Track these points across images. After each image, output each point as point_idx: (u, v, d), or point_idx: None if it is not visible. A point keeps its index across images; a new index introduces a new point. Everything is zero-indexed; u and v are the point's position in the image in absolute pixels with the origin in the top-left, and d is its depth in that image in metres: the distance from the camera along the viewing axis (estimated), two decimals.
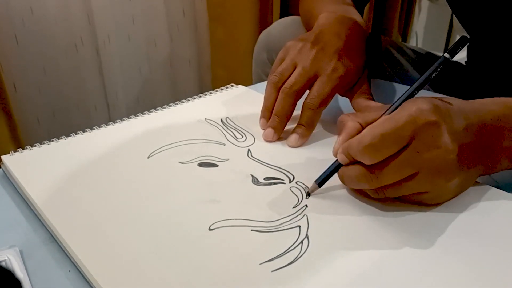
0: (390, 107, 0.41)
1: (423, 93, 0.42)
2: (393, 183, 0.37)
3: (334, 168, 0.41)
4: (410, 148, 0.36)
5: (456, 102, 0.40)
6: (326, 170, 0.41)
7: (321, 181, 0.41)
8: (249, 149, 0.49)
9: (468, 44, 0.47)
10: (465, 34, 0.55)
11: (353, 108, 0.52)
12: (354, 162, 0.39)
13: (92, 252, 0.35)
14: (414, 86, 0.42)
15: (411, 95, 0.41)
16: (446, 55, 0.43)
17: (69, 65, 1.15)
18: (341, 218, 0.39)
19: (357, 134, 0.41)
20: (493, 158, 0.40)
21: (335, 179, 0.41)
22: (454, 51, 0.43)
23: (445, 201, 0.40)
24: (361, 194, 0.41)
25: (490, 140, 0.39)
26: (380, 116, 0.41)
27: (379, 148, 0.36)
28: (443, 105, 0.38)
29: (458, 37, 0.45)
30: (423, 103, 0.37)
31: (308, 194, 0.41)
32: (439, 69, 0.42)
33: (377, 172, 0.37)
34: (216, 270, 0.33)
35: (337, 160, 0.41)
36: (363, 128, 0.41)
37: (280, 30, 0.78)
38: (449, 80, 0.73)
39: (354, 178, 0.39)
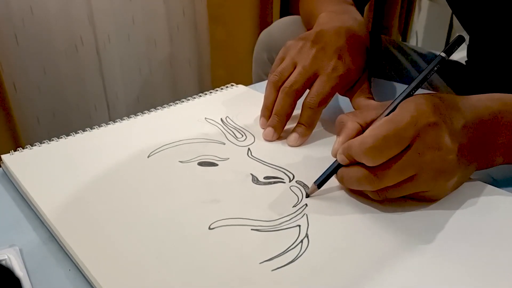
0: (388, 106, 0.41)
1: (422, 92, 0.42)
2: (394, 185, 0.37)
3: (333, 169, 0.41)
4: (412, 149, 0.36)
5: (453, 99, 0.40)
6: (325, 171, 0.41)
7: (320, 182, 0.41)
8: (249, 149, 0.49)
9: (465, 43, 0.47)
10: (465, 33, 0.55)
11: (353, 108, 0.52)
12: (354, 163, 0.39)
13: (92, 251, 0.35)
14: (412, 85, 0.42)
15: (409, 94, 0.41)
16: (443, 54, 0.43)
17: (69, 65, 1.15)
18: (341, 218, 0.39)
19: (357, 134, 0.41)
20: (488, 154, 0.40)
21: (335, 179, 0.41)
22: (450, 50, 0.43)
23: (443, 197, 0.40)
24: (359, 195, 0.41)
25: (486, 136, 0.40)
26: (379, 116, 0.41)
27: (382, 150, 0.36)
28: (442, 104, 0.38)
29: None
30: (422, 103, 0.37)
31: (307, 196, 0.41)
32: (436, 68, 0.43)
33: (379, 173, 0.37)
34: (216, 269, 0.33)
35: (336, 161, 0.41)
36: (362, 128, 0.41)
37: (280, 30, 0.78)
38: (449, 80, 0.74)
39: (355, 180, 0.39)
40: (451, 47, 0.43)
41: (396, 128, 0.36)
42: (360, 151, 0.37)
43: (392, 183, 0.37)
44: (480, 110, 0.40)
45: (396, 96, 0.42)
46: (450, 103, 0.39)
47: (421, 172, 0.37)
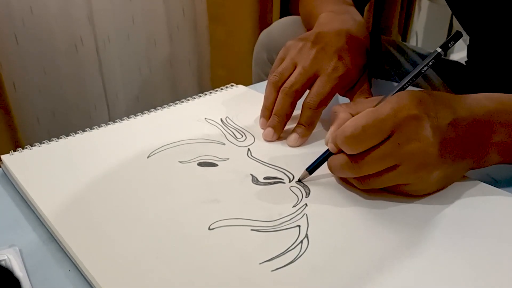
0: (381, 100, 0.41)
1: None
2: (375, 174, 0.38)
3: (325, 157, 0.42)
4: (391, 140, 0.37)
5: (444, 96, 0.41)
6: (317, 159, 0.43)
7: (312, 168, 0.43)
8: (249, 149, 0.49)
9: (465, 43, 0.48)
10: (465, 34, 0.55)
11: None
12: (341, 151, 0.40)
13: (91, 252, 0.35)
14: (406, 79, 0.43)
15: (402, 88, 0.42)
16: (438, 49, 0.43)
17: (69, 65, 1.15)
18: (341, 218, 0.39)
19: None
20: (481, 152, 0.40)
21: (333, 183, 0.42)
22: (446, 45, 0.44)
23: (431, 193, 0.41)
24: (348, 184, 0.42)
25: (479, 134, 0.40)
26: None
27: (360, 139, 0.37)
28: (430, 99, 0.39)
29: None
30: (407, 97, 0.38)
31: (299, 180, 0.43)
32: (431, 63, 0.43)
33: (359, 161, 0.38)
34: (216, 269, 0.33)
35: (327, 149, 0.42)
36: None
37: (280, 30, 0.78)
38: (449, 80, 0.74)
39: (339, 166, 0.40)
40: (447, 42, 0.44)
41: (375, 119, 0.37)
42: (340, 140, 0.39)
43: (372, 172, 0.38)
44: (474, 108, 0.40)
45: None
46: (440, 99, 0.40)
47: (402, 163, 0.37)
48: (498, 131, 0.40)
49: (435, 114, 0.38)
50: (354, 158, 0.39)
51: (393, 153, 0.37)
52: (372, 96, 0.52)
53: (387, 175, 0.38)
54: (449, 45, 0.44)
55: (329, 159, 0.42)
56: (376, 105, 0.41)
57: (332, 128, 0.43)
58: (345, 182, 0.43)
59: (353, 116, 0.42)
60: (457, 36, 0.44)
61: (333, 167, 0.41)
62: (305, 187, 0.42)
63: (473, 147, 0.40)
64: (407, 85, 0.43)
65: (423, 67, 0.43)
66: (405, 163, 0.37)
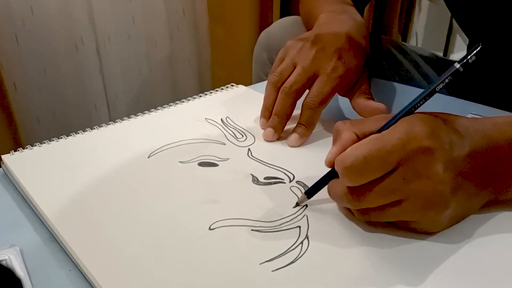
0: (388, 121, 0.37)
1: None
2: (377, 207, 0.35)
3: (325, 180, 0.39)
4: (396, 173, 0.33)
5: (462, 122, 0.36)
6: (316, 182, 0.39)
7: (311, 192, 0.39)
8: (249, 149, 0.49)
9: (465, 44, 0.44)
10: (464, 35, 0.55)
11: (353, 108, 0.52)
12: None
13: (92, 252, 0.35)
14: (418, 98, 0.37)
15: (413, 108, 0.37)
16: (457, 65, 0.37)
17: (69, 65, 1.15)
18: (341, 219, 0.39)
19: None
20: (502, 184, 0.36)
21: None
22: (466, 60, 0.38)
23: (440, 231, 0.36)
24: (349, 212, 0.39)
25: (501, 165, 0.36)
26: (376, 132, 0.37)
27: (361, 172, 0.33)
28: (444, 127, 0.35)
29: (458, 37, 0.45)
30: (418, 124, 0.34)
31: (297, 205, 0.40)
32: (447, 80, 0.38)
33: (359, 194, 0.34)
34: (216, 270, 0.33)
35: (329, 171, 0.38)
36: (359, 139, 0.38)
37: (280, 30, 0.78)
38: (450, 80, 0.73)
39: (338, 195, 0.37)
40: (466, 56, 0.38)
41: (380, 150, 0.33)
42: (339, 170, 0.34)
43: (372, 206, 0.35)
44: (493, 136, 0.36)
45: (401, 109, 0.37)
46: (455, 126, 0.35)
47: (406, 199, 0.34)
48: None
49: (449, 146, 0.34)
50: (354, 191, 0.35)
51: (398, 189, 0.33)
52: (371, 96, 0.52)
53: (391, 210, 0.34)
54: (469, 60, 0.37)
55: (329, 184, 0.38)
56: (383, 128, 0.36)
57: (333, 149, 0.38)
58: (345, 210, 0.39)
59: (357, 135, 0.38)
60: (477, 51, 0.38)
61: (332, 195, 0.38)
62: (305, 187, 0.42)
63: (492, 180, 0.36)
64: (419, 104, 0.37)
65: (437, 85, 0.37)
66: (411, 200, 0.33)
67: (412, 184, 0.33)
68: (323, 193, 0.42)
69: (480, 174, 0.35)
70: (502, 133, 0.36)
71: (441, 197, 0.33)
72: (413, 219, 0.35)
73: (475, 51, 0.37)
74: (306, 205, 0.40)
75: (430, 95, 0.37)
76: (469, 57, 0.37)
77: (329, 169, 0.39)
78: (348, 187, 0.35)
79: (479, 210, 0.38)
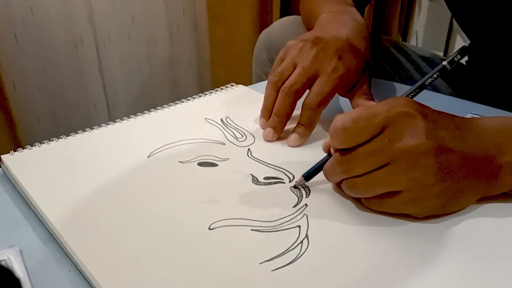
0: None
1: (430, 94, 0.42)
2: (365, 173, 0.37)
3: (322, 164, 0.41)
4: (382, 135, 0.36)
5: (453, 117, 0.38)
6: (314, 165, 0.42)
7: (308, 175, 0.42)
8: (249, 149, 0.49)
9: (463, 39, 0.48)
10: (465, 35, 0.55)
11: (353, 109, 0.52)
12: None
13: (92, 252, 0.35)
14: (408, 91, 0.42)
15: None
16: (444, 62, 0.43)
17: (69, 65, 1.15)
18: (341, 218, 0.39)
19: None
20: (491, 172, 0.37)
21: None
22: (452, 59, 0.44)
23: (432, 213, 0.37)
24: (355, 200, 0.40)
25: (489, 153, 0.37)
26: None
27: (350, 132, 0.36)
28: (430, 108, 0.37)
29: (458, 37, 0.46)
30: (404, 98, 0.38)
31: (295, 186, 0.42)
32: (435, 75, 0.43)
33: (349, 156, 0.37)
34: (216, 269, 0.33)
35: (325, 156, 0.42)
36: None
37: (280, 30, 0.78)
38: (450, 80, 0.74)
39: (329, 165, 0.39)
40: (453, 56, 0.44)
41: (367, 113, 0.36)
42: (330, 133, 0.38)
43: (361, 169, 0.36)
44: (478, 122, 0.38)
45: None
46: (442, 112, 0.38)
47: (393, 161, 0.35)
48: (508, 150, 0.37)
49: (433, 118, 0.36)
50: (344, 153, 0.37)
51: (384, 149, 0.35)
52: (371, 96, 0.52)
53: (378, 174, 0.36)
54: (455, 59, 0.44)
55: (324, 166, 0.40)
56: None
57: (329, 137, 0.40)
58: (348, 197, 0.40)
59: None
60: (463, 51, 0.44)
61: (326, 171, 0.40)
62: (305, 187, 0.42)
63: (482, 166, 0.37)
64: (409, 96, 0.42)
65: (427, 79, 0.43)
66: (396, 161, 0.35)
67: (396, 143, 0.35)
68: (323, 192, 0.42)
69: (464, 157, 0.36)
70: (486, 121, 0.39)
71: (425, 157, 0.35)
72: (401, 185, 0.36)
73: (460, 51, 0.44)
74: (306, 205, 0.40)
75: (420, 88, 0.43)
76: (454, 56, 0.44)
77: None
78: (339, 153, 0.38)
79: (478, 211, 0.38)
